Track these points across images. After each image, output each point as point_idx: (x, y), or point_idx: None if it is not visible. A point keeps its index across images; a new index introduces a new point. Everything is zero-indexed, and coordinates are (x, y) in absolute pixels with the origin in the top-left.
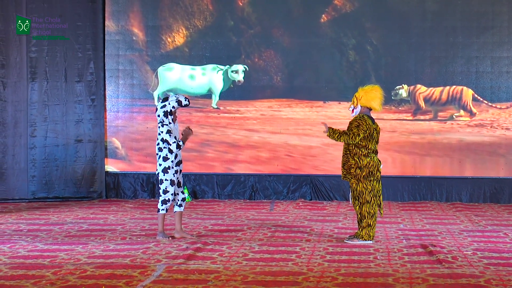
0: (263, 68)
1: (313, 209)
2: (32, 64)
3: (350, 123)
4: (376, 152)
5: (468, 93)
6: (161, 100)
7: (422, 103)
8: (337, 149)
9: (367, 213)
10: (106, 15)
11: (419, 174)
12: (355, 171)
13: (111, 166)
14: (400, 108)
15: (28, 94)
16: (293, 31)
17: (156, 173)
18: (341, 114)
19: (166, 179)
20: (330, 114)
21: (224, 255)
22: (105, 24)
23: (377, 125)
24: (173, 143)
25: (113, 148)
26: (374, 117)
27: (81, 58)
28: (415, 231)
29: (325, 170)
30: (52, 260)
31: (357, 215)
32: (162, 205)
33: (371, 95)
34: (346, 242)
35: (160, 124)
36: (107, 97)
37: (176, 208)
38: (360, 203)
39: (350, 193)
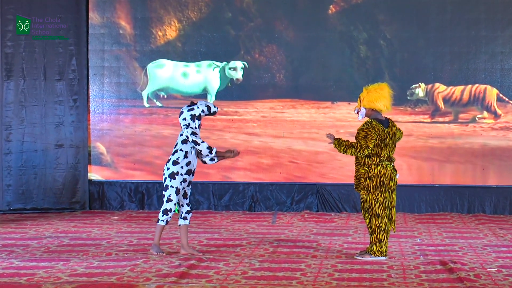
0: (264, 65)
1: (320, 221)
2: (8, 60)
3: (358, 132)
4: (390, 160)
5: (492, 93)
6: (187, 104)
7: (441, 104)
8: (346, 155)
9: (377, 227)
10: (89, 6)
11: (437, 182)
12: (364, 181)
13: (95, 174)
14: (416, 109)
15: (3, 94)
16: (298, 24)
17: (164, 177)
18: (351, 116)
19: (171, 186)
20: (339, 116)
21: (221, 273)
22: (89, 16)
23: (393, 128)
24: (201, 142)
25: (98, 154)
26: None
27: (62, 54)
28: (433, 246)
29: (333, 179)
30: (30, 279)
31: (368, 228)
32: (162, 215)
33: (374, 95)
34: (356, 259)
35: (185, 126)
36: (90, 97)
37: (181, 222)
38: (370, 215)
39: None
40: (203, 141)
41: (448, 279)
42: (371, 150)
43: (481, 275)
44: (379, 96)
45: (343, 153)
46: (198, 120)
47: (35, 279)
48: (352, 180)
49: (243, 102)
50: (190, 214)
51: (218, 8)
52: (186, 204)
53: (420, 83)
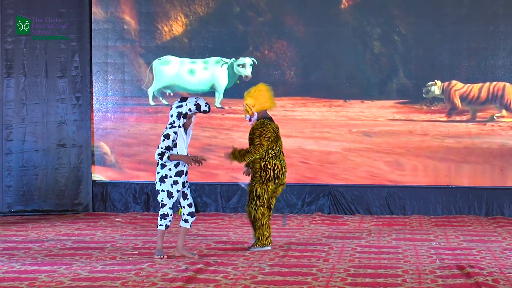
0: (274, 61)
1: (332, 224)
2: (8, 57)
3: (252, 132)
4: (282, 154)
5: (511, 90)
6: (178, 100)
7: (458, 102)
8: (359, 155)
9: (262, 215)
10: (93, 0)
11: (454, 184)
12: (260, 174)
13: (98, 175)
14: (432, 108)
15: (3, 91)
16: (309, 19)
17: (155, 182)
18: (364, 114)
19: (162, 190)
20: (352, 114)
21: (229, 277)
22: (92, 11)
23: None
24: (160, 147)
25: (101, 153)
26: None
27: (64, 50)
28: (450, 250)
29: (346, 180)
30: (31, 283)
31: (250, 217)
32: (160, 220)
33: (263, 98)
34: (250, 250)
35: (170, 125)
36: (94, 95)
37: (181, 223)
38: (257, 205)
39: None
40: (163, 147)
41: (466, 284)
42: (268, 146)
43: (499, 280)
44: (266, 96)
45: (244, 161)
46: (184, 118)
47: (36, 283)
48: (365, 181)
49: None
50: (193, 218)
51: (226, 2)
52: (188, 205)
53: (436, 81)
